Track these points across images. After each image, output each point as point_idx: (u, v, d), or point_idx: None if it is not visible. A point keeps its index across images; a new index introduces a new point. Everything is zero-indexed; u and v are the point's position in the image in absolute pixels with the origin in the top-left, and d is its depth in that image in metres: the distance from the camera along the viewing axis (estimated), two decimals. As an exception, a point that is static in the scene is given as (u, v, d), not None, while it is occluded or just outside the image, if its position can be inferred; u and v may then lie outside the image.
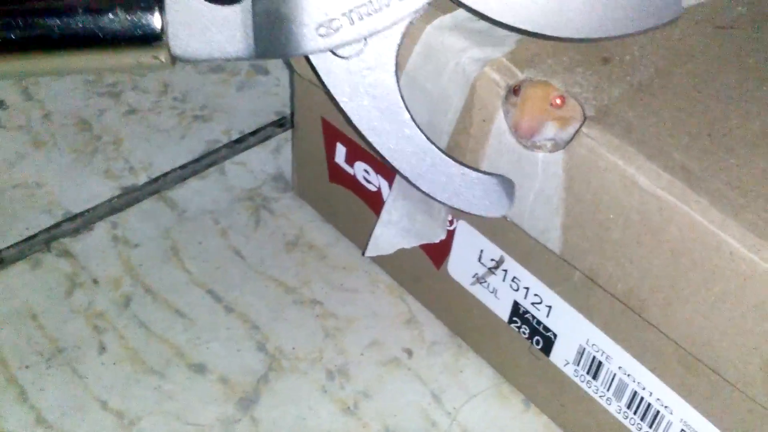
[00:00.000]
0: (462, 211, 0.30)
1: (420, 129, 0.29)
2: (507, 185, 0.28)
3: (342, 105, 0.29)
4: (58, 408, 0.34)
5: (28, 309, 0.37)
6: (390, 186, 0.35)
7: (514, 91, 0.27)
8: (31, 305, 0.37)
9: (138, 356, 0.36)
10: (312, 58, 0.28)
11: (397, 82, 0.29)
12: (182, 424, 0.34)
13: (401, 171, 0.29)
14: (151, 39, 0.27)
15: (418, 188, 0.30)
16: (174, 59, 0.28)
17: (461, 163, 0.29)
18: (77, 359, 0.36)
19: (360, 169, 0.36)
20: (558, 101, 0.27)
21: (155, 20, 0.27)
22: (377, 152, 0.29)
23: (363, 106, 0.29)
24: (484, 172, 0.29)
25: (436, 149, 0.29)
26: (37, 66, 0.28)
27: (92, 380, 0.35)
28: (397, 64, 0.28)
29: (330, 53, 0.28)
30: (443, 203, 0.29)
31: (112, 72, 0.45)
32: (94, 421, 0.34)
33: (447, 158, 0.29)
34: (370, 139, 0.29)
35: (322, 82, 0.29)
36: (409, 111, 0.29)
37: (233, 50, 0.27)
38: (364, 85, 0.28)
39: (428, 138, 0.29)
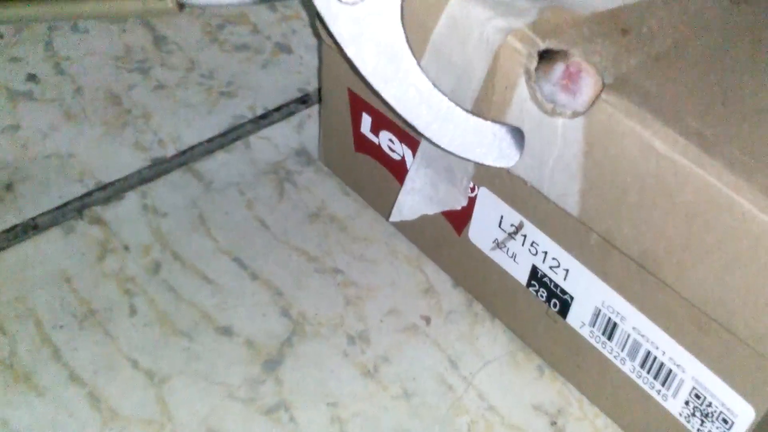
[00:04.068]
0: (471, 161, 0.30)
1: (426, 76, 0.29)
2: (516, 135, 0.29)
3: (348, 52, 0.29)
4: (91, 366, 0.35)
5: (61, 273, 0.38)
6: (414, 155, 0.36)
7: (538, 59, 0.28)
8: (64, 269, 0.39)
9: (167, 319, 0.37)
10: (318, 4, 0.29)
11: (403, 28, 0.28)
12: (210, 383, 0.35)
13: (408, 120, 0.30)
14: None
15: (426, 138, 0.30)
16: (180, 5, 0.28)
17: (469, 112, 0.29)
18: (109, 321, 0.37)
19: (385, 139, 0.38)
20: (579, 70, 0.28)
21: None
22: (384, 101, 0.29)
23: (369, 52, 0.29)
24: (494, 121, 0.29)
25: (444, 98, 0.29)
26: (45, 11, 0.28)
27: (123, 341, 0.36)
28: (402, 10, 0.28)
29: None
30: (452, 152, 0.30)
31: (121, 19, 0.45)
32: (126, 379, 0.35)
33: (455, 107, 0.29)
34: (376, 86, 0.29)
35: (328, 30, 0.29)
36: (415, 58, 0.29)
37: None
38: (369, 32, 0.28)
39: (435, 86, 0.29)
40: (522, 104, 0.29)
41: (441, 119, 0.29)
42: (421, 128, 0.30)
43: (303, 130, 0.46)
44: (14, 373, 0.35)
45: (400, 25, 0.29)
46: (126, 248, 0.40)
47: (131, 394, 0.35)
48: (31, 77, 0.47)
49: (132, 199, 0.42)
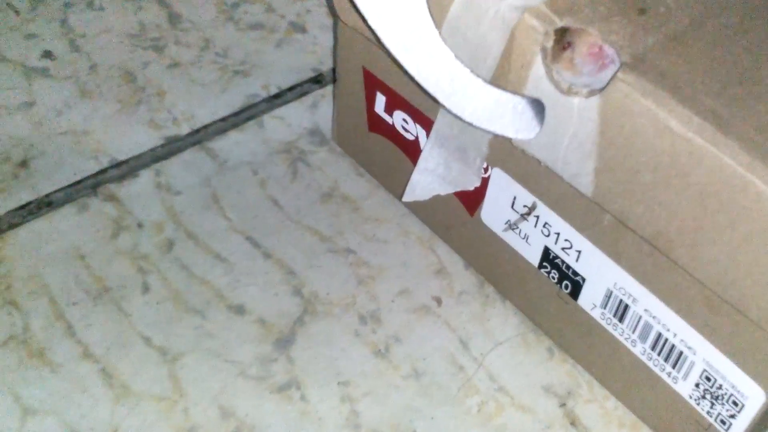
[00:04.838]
0: (491, 132, 0.30)
1: (448, 47, 0.29)
2: (537, 107, 0.29)
3: (370, 22, 0.29)
4: (104, 343, 0.36)
5: (75, 249, 0.39)
6: (427, 135, 0.36)
7: (554, 38, 0.28)
8: (78, 246, 0.39)
9: (180, 297, 0.38)
10: None
11: None
12: (222, 361, 0.36)
13: (429, 90, 0.29)
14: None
15: (447, 109, 0.29)
16: None
17: (491, 83, 0.29)
18: (122, 298, 0.37)
19: (399, 119, 0.38)
20: (596, 48, 0.28)
21: None
22: (406, 71, 0.29)
23: (391, 21, 0.28)
24: (514, 92, 0.29)
25: (466, 69, 0.29)
26: None
27: (137, 318, 0.37)
28: None
29: None
30: (472, 124, 0.30)
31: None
32: (139, 356, 0.35)
33: (476, 78, 0.29)
34: (398, 56, 0.29)
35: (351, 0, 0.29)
36: (440, 28, 0.28)
37: None
38: (392, 1, 0.28)
39: (457, 57, 0.29)
40: (538, 83, 0.29)
41: (462, 90, 0.29)
42: (441, 99, 0.29)
43: (316, 110, 0.46)
44: (28, 349, 0.35)
45: None
46: (140, 226, 0.40)
47: (144, 370, 0.35)
48: (47, 54, 0.47)
49: (146, 176, 0.42)
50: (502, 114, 0.29)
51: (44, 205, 0.40)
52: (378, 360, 0.36)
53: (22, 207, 0.40)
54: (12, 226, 0.39)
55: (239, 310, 0.37)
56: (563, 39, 0.28)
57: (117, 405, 0.34)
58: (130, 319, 0.37)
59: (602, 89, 0.28)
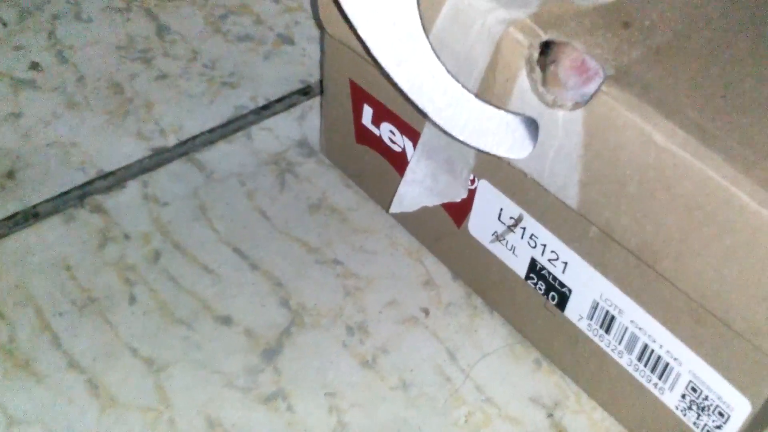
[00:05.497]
0: (482, 150, 0.29)
1: (441, 62, 0.28)
2: (530, 125, 0.29)
3: (361, 33, 0.29)
4: (90, 353, 0.36)
5: (62, 260, 0.39)
6: (414, 146, 0.36)
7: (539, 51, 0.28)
8: (65, 257, 0.39)
9: (167, 307, 0.37)
10: None
11: (418, 8, 0.28)
12: (209, 372, 0.36)
13: (419, 105, 0.29)
14: None
15: (438, 126, 0.29)
16: None
17: (484, 101, 0.29)
18: (109, 309, 0.37)
19: (386, 130, 0.38)
20: (580, 62, 0.28)
21: None
22: (396, 86, 0.29)
23: (383, 33, 0.28)
24: (507, 111, 0.29)
25: (458, 84, 0.29)
26: None
27: (123, 329, 0.37)
28: None
29: None
30: (464, 142, 0.30)
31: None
32: (125, 366, 0.35)
33: (469, 94, 0.29)
34: (389, 70, 0.29)
35: (342, 10, 0.28)
36: (430, 42, 0.28)
37: None
38: (384, 12, 0.28)
39: (449, 71, 0.29)
40: (523, 95, 0.29)
41: (454, 106, 0.29)
42: (432, 114, 0.29)
43: (304, 121, 0.46)
44: (14, 359, 0.35)
45: (415, 6, 0.28)
46: (126, 237, 0.40)
47: (130, 381, 0.35)
48: (34, 65, 0.47)
49: (133, 188, 0.42)
50: (494, 131, 0.29)
51: (31, 216, 0.40)
52: (365, 371, 0.36)
53: (9, 218, 0.40)
54: (-2, 237, 0.39)
55: (226, 320, 0.37)
56: (548, 52, 0.28)
57: (103, 415, 0.34)
58: (116, 329, 0.37)
59: (587, 102, 0.28)
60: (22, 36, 0.49)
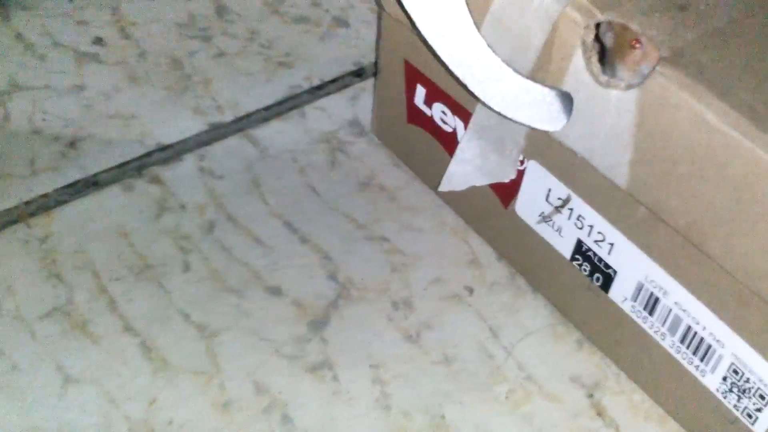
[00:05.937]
0: (518, 122, 0.30)
1: (481, 36, 0.29)
2: (565, 100, 0.30)
3: (407, 7, 0.29)
4: (144, 318, 0.37)
5: (119, 228, 0.40)
6: (465, 127, 0.37)
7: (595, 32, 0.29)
8: (122, 224, 0.40)
9: (219, 276, 0.39)
10: None
11: None
12: (258, 339, 0.37)
13: (461, 78, 0.30)
14: None
15: (476, 97, 0.30)
16: None
17: (521, 75, 0.30)
18: (163, 275, 0.38)
19: (438, 111, 0.38)
20: (635, 43, 0.28)
21: None
22: (440, 59, 0.30)
23: (426, 6, 0.29)
24: (543, 84, 0.30)
25: (498, 59, 0.29)
26: None
27: (176, 295, 0.38)
28: None
29: None
30: (500, 113, 0.30)
31: None
32: (177, 331, 0.37)
33: (507, 68, 0.29)
34: (433, 43, 0.30)
35: None
36: (472, 17, 0.29)
37: None
38: None
39: (489, 46, 0.29)
40: (577, 75, 0.30)
41: (493, 78, 0.30)
42: (471, 86, 0.30)
43: (357, 102, 0.47)
44: (71, 321, 0.36)
45: None
46: (182, 207, 0.41)
47: (182, 345, 0.36)
48: (98, 40, 0.49)
49: (190, 161, 0.43)
50: (529, 104, 0.30)
51: (91, 184, 0.41)
52: (409, 345, 0.37)
53: (70, 185, 0.41)
54: (59, 203, 0.41)
55: (275, 291, 0.38)
56: (604, 33, 0.29)
57: (155, 377, 0.35)
58: (170, 295, 0.38)
59: (641, 82, 0.28)
60: (87, 11, 0.50)
